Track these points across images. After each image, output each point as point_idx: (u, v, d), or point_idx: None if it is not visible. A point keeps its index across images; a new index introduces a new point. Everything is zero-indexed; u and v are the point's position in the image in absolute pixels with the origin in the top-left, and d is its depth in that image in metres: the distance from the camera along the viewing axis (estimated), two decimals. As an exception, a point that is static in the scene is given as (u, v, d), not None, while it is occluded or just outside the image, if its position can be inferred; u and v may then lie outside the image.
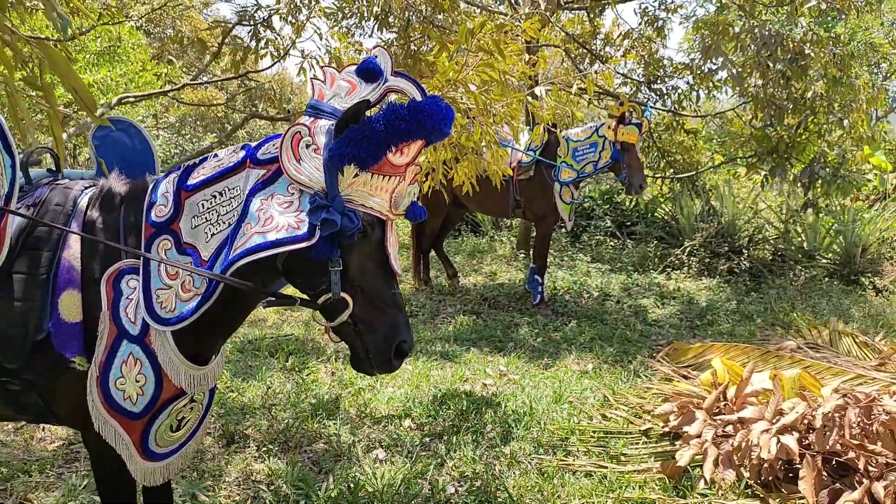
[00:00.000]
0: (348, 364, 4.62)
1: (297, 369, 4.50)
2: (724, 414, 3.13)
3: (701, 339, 5.13)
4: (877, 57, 8.53)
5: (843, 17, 6.33)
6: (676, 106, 7.78)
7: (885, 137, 8.08)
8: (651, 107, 6.91)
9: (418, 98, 1.50)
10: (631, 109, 5.35)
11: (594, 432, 3.41)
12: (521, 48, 3.64)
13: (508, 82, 3.22)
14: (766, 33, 5.26)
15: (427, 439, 3.50)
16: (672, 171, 8.06)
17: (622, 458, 3.11)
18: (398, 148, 1.44)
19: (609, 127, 5.37)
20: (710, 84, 6.84)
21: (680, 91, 7.71)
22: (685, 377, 4.08)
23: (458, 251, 8.06)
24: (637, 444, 3.25)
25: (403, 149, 1.46)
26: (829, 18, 6.38)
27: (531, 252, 6.36)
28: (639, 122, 5.40)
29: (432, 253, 6.62)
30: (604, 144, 5.42)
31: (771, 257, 7.18)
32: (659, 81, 7.81)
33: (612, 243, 7.83)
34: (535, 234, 6.32)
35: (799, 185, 6.35)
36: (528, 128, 5.97)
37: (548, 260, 6.71)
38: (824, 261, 6.81)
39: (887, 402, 2.69)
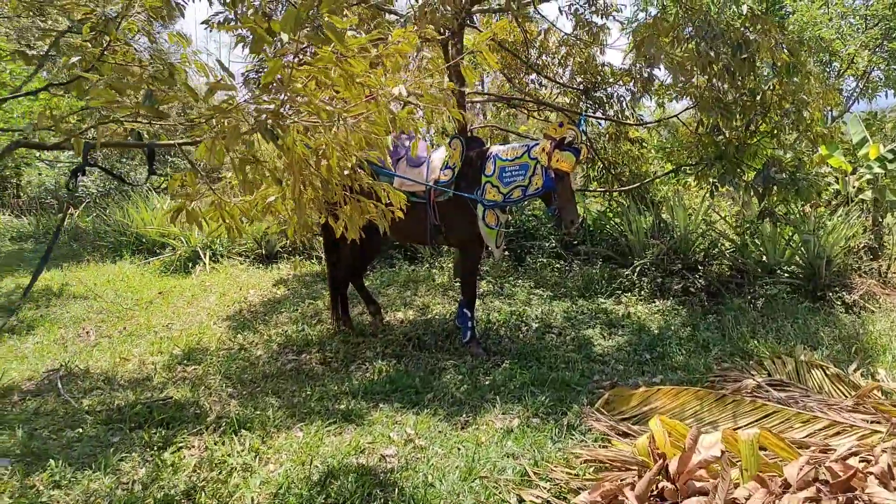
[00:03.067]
0: (228, 435, 3.83)
1: (160, 446, 3.67)
2: (664, 500, 2.39)
3: (650, 377, 4.42)
4: (827, 54, 8.04)
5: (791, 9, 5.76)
6: (619, 115, 7.17)
7: (841, 137, 7.56)
8: (587, 116, 6.27)
9: None
10: (571, 132, 4.64)
11: (504, 525, 2.65)
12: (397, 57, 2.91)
13: (362, 85, 2.48)
14: (704, 22, 4.65)
15: (296, 543, 2.71)
16: (618, 184, 7.43)
17: (533, 568, 2.35)
18: None
19: (543, 149, 4.62)
20: (652, 89, 6.23)
21: (622, 99, 7.12)
22: (625, 434, 3.35)
23: (392, 282, 7.29)
24: (555, 544, 2.50)
25: None
26: (776, 9, 5.83)
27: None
28: (577, 148, 4.65)
29: (352, 288, 5.85)
30: (535, 168, 4.68)
31: (728, 273, 6.55)
32: (599, 89, 7.20)
33: (557, 265, 7.13)
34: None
35: (752, 192, 5.74)
36: (447, 141, 5.25)
37: (480, 289, 6.02)
38: (786, 275, 6.19)
39: (873, 488, 1.98)
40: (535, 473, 3.03)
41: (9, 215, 14.41)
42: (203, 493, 3.14)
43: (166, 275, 8.88)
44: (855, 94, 10.96)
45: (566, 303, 6.11)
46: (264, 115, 2.13)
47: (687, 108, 6.88)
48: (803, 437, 3.12)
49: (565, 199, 4.63)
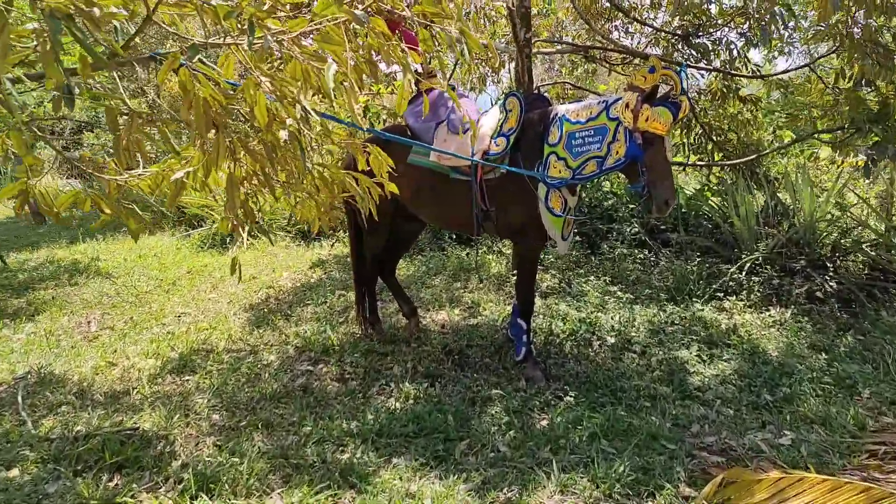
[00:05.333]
0: (184, 500, 2.76)
1: (98, 507, 2.74)
2: None
3: (774, 433, 3.14)
4: None
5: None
6: (727, 66, 5.68)
7: None
8: (689, 66, 4.86)
9: None
10: (666, 80, 3.31)
11: None
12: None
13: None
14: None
15: None
16: (723, 155, 5.95)
17: None
18: None
19: (627, 105, 3.29)
20: (778, 32, 4.73)
21: (733, 46, 5.62)
22: (752, 559, 2.13)
23: (440, 271, 6.18)
24: None
25: None
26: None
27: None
28: (675, 102, 3.29)
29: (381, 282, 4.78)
30: (616, 132, 3.38)
31: (866, 274, 5.04)
32: (702, 34, 5.72)
33: (640, 257, 5.78)
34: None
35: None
36: (500, 98, 4.04)
37: (541, 285, 4.84)
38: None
39: None
40: None
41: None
42: None
43: (202, 251, 8.12)
44: None
45: (651, 308, 4.80)
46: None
47: (820, 58, 5.32)
48: None
49: (658, 172, 3.32)
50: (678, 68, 3.40)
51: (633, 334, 4.40)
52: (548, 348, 4.27)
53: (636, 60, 6.51)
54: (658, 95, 3.29)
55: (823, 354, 3.98)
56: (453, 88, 4.18)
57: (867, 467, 2.60)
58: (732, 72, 5.53)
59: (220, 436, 3.36)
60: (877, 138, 4.02)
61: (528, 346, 3.97)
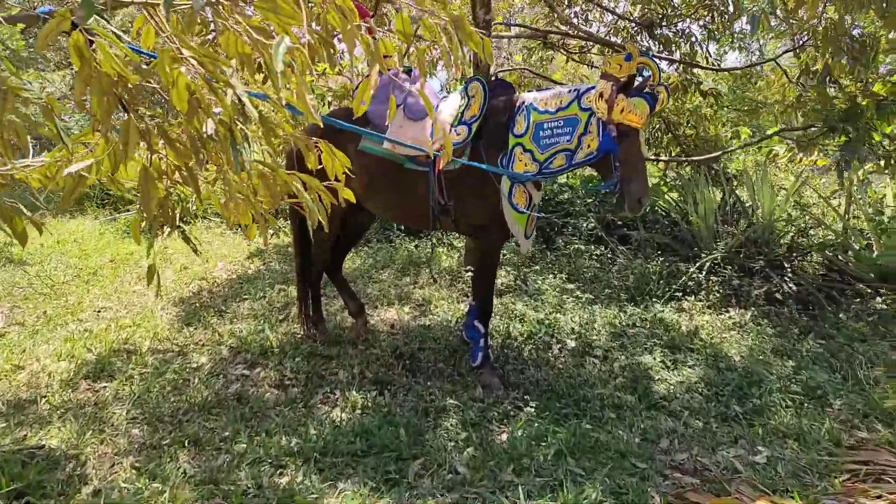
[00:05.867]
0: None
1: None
2: None
3: (748, 450, 2.96)
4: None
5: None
6: (687, 58, 5.52)
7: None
8: (654, 56, 4.65)
9: None
10: (644, 68, 3.04)
11: None
12: None
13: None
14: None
15: None
16: (681, 149, 5.81)
17: None
18: None
19: (600, 95, 3.02)
20: (748, 25, 4.57)
21: (693, 38, 5.46)
22: None
23: (388, 264, 5.83)
24: None
25: None
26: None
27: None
28: (651, 93, 3.01)
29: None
30: (588, 125, 3.12)
31: (822, 275, 4.97)
32: (664, 24, 5.54)
33: (597, 253, 5.58)
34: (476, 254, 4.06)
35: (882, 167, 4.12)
36: (462, 85, 3.73)
37: (497, 281, 4.57)
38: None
39: None
40: None
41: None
42: None
43: (128, 237, 7.49)
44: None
45: (612, 309, 4.60)
46: None
47: (787, 52, 5.21)
48: None
49: (632, 167, 3.07)
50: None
51: (594, 337, 4.19)
52: (505, 352, 4.01)
53: (595, 48, 6.30)
54: (634, 85, 3.04)
55: (790, 361, 3.85)
56: (409, 71, 3.83)
57: (853, 491, 2.43)
58: (695, 63, 5.37)
59: (139, 455, 2.95)
60: (845, 138, 3.90)
61: (485, 351, 3.70)
